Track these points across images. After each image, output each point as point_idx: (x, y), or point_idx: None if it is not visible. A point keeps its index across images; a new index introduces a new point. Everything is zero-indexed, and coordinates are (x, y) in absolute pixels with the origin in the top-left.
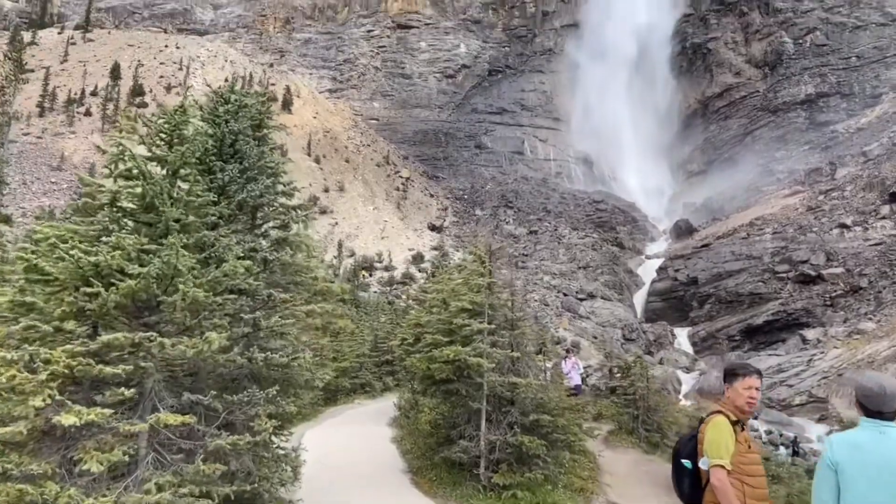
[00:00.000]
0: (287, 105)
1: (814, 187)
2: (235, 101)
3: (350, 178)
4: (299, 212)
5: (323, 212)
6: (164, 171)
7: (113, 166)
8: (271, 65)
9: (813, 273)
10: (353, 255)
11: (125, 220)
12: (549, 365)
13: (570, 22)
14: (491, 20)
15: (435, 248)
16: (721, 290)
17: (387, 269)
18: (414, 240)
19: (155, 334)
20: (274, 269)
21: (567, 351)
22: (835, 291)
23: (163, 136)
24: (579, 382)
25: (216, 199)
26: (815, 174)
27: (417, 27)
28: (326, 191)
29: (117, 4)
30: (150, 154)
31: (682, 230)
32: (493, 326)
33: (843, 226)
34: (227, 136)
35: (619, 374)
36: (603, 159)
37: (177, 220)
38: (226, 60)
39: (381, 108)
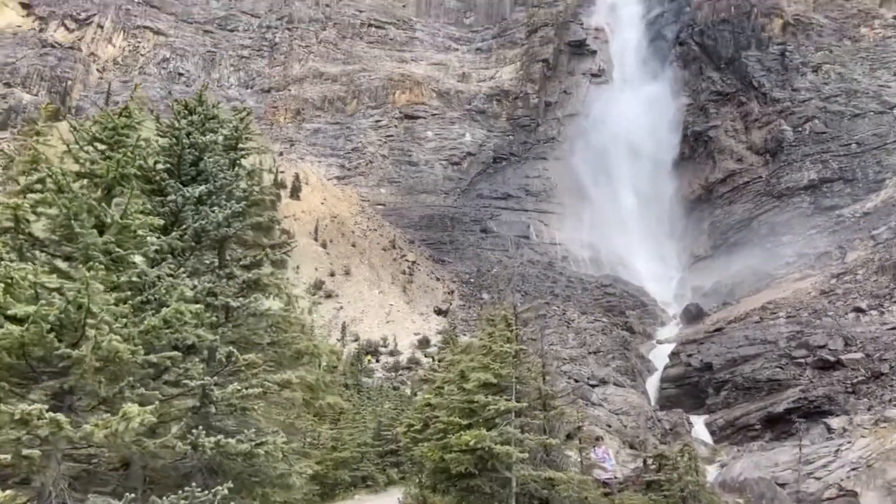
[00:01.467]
0: (295, 192)
1: (825, 271)
2: (202, 112)
3: (356, 263)
4: (277, 251)
5: (328, 296)
6: (93, 187)
7: (23, 178)
8: (281, 153)
9: (832, 358)
10: (357, 339)
11: (34, 250)
12: (592, 454)
13: (573, 112)
14: (495, 110)
15: (441, 333)
16: (737, 375)
17: (392, 353)
18: (420, 324)
19: (42, 407)
20: (239, 322)
21: (597, 438)
22: (856, 377)
23: (98, 145)
24: (614, 472)
25: (166, 227)
26: (824, 258)
27: (424, 117)
28: (332, 275)
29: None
30: (79, 168)
31: (693, 315)
32: (522, 405)
33: (859, 310)
34: (187, 151)
35: (654, 467)
36: (608, 244)
37: (105, 251)
38: None
39: (388, 193)
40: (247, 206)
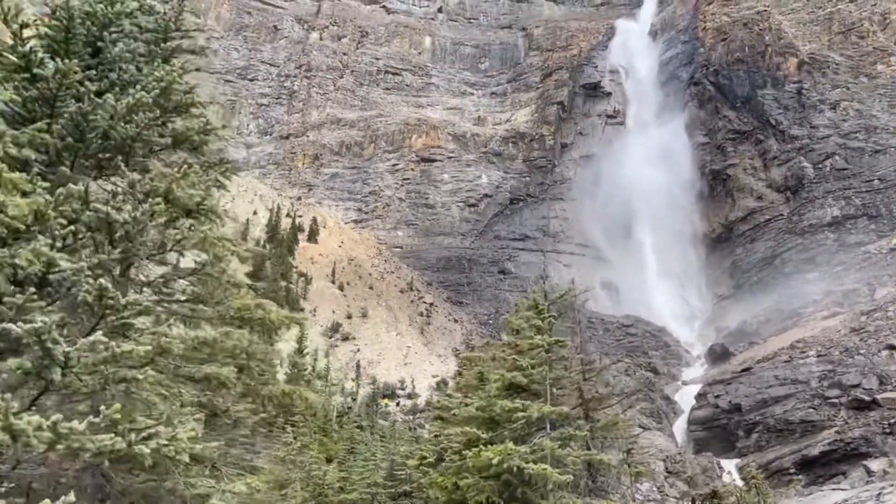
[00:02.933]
0: (313, 235)
1: (854, 308)
2: None
3: (373, 305)
4: (212, 170)
5: (346, 338)
6: None
7: None
8: (299, 198)
9: (867, 398)
10: (374, 381)
11: None
12: (638, 491)
13: (589, 153)
14: (511, 152)
15: (460, 374)
16: (768, 417)
17: (410, 396)
18: (438, 366)
19: None
20: (131, 251)
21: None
22: (893, 417)
23: None
24: None
25: (24, 116)
26: (853, 295)
27: (440, 160)
28: (349, 317)
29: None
30: None
31: (718, 354)
32: (561, 410)
33: (892, 347)
34: (78, 22)
35: None
36: (628, 284)
37: None
38: (255, 194)
39: (405, 236)
40: (167, 106)
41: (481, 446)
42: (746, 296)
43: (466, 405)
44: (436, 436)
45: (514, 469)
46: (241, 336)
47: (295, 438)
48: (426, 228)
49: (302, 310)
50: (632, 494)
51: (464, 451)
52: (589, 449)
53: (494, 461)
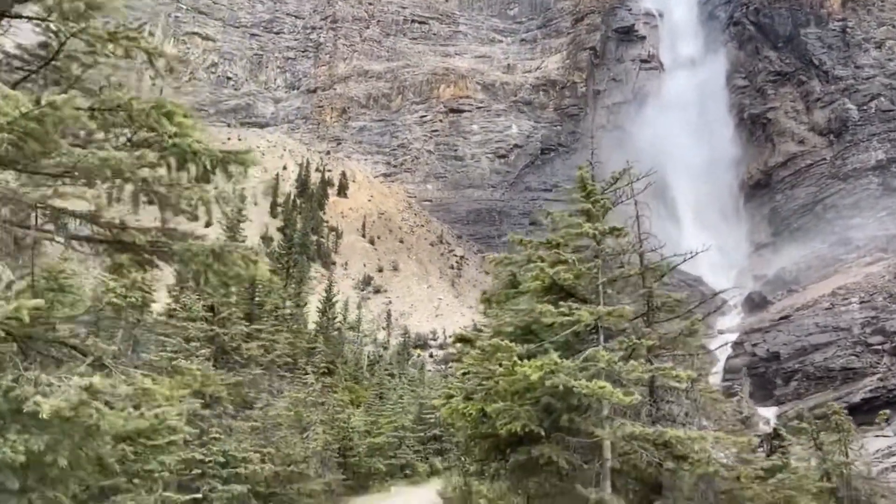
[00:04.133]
0: (343, 190)
1: None
2: None
3: (404, 258)
4: None
5: (377, 291)
6: None
7: None
8: (328, 152)
9: None
10: (405, 333)
11: None
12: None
13: (622, 100)
14: (542, 101)
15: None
16: (808, 365)
17: (441, 346)
18: (469, 317)
19: None
20: None
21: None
22: None
23: None
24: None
25: None
26: None
27: (469, 111)
28: (381, 271)
29: (184, 103)
30: None
31: (756, 303)
32: (622, 309)
33: None
34: None
35: (765, 450)
36: (664, 233)
37: None
38: (284, 149)
39: (435, 189)
40: None
41: (515, 360)
42: (786, 243)
43: (497, 317)
44: (464, 373)
45: (560, 388)
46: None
47: (316, 380)
48: (455, 181)
49: (334, 263)
50: (699, 425)
51: (492, 366)
52: (649, 362)
53: (533, 378)
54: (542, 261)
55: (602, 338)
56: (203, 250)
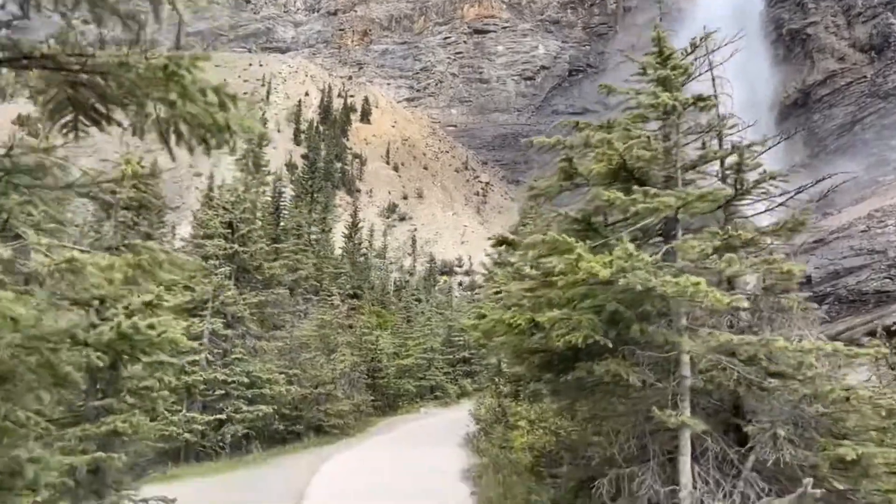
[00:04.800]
0: (366, 115)
1: None
2: None
3: (429, 185)
4: None
5: (402, 218)
6: None
7: None
8: (350, 77)
9: None
10: (431, 259)
11: None
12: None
13: (654, 16)
14: (570, 19)
15: (497, 264)
16: (840, 288)
17: (467, 273)
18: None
19: None
20: None
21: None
22: None
23: None
24: None
25: None
26: None
27: (494, 31)
28: (405, 198)
29: (205, 28)
30: None
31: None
32: (716, 192)
33: None
34: None
35: None
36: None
37: None
38: (306, 75)
39: (459, 114)
40: None
41: (580, 253)
42: (823, 164)
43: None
44: (496, 292)
45: (635, 289)
46: None
47: (343, 302)
48: (481, 105)
49: (358, 191)
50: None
51: (546, 266)
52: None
53: (603, 275)
54: (609, 143)
55: (679, 231)
56: (154, 69)
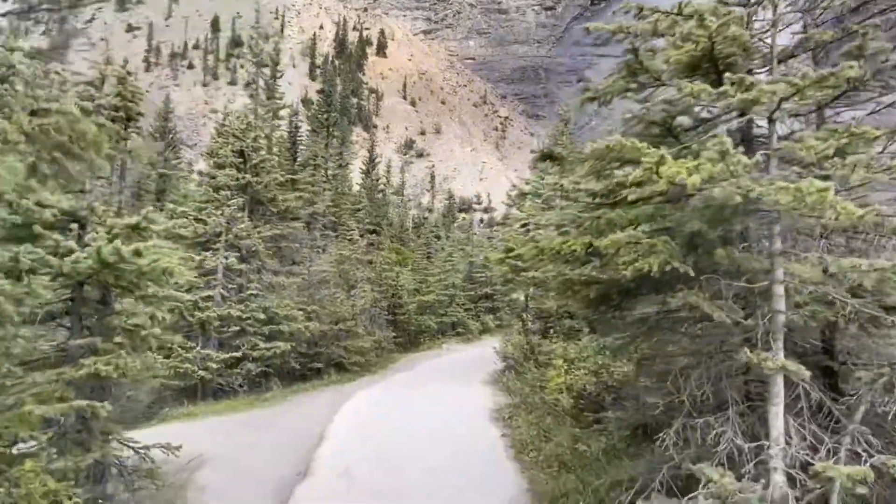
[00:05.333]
0: (382, 49)
1: None
2: None
3: (446, 120)
4: None
5: (419, 155)
6: None
7: None
8: (365, 9)
9: None
10: (450, 196)
11: None
12: None
13: None
14: None
15: (523, 195)
16: None
17: (486, 210)
18: (515, 180)
19: None
20: None
21: None
22: None
23: None
24: None
25: None
26: None
27: None
28: (423, 133)
29: None
30: None
31: None
32: (831, 77)
33: None
34: None
35: None
36: None
37: None
38: (320, 7)
39: (477, 46)
40: None
41: (664, 156)
42: None
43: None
44: (523, 225)
45: (730, 202)
46: None
47: (362, 237)
48: (499, 37)
49: (375, 127)
50: None
51: (608, 176)
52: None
53: (692, 182)
54: (700, 19)
55: (775, 137)
56: None
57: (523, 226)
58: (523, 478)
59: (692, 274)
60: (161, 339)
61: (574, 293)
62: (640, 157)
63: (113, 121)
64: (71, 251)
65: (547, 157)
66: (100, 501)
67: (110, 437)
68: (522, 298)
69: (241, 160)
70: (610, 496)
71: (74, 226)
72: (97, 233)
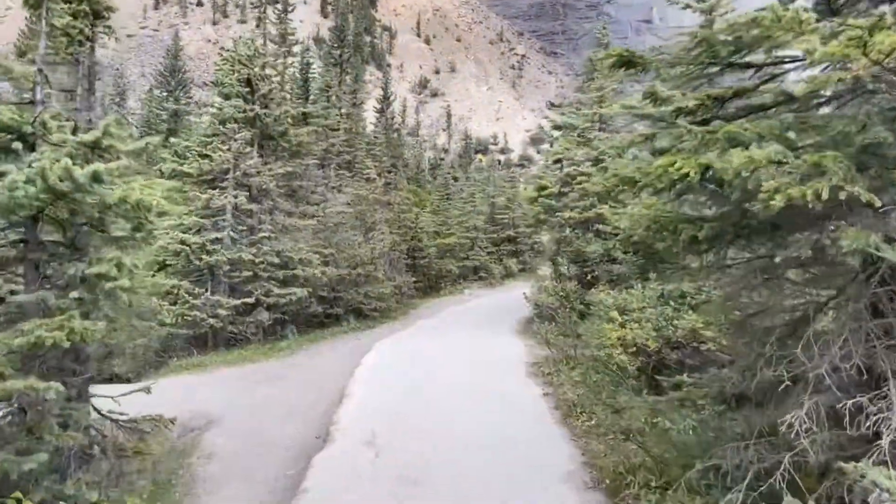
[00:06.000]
0: None
1: None
2: None
3: (462, 58)
4: None
5: (434, 94)
6: None
7: None
8: None
9: None
10: (465, 137)
11: None
12: None
13: None
14: None
15: (556, 128)
16: None
17: (503, 151)
18: (532, 120)
19: None
20: None
21: None
22: None
23: None
24: None
25: None
26: None
27: None
28: (437, 72)
29: None
30: None
31: None
32: None
33: None
34: None
35: None
36: None
37: None
38: None
39: None
40: None
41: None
42: None
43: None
44: (556, 161)
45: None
46: None
47: (379, 175)
48: None
49: (389, 65)
50: None
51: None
52: None
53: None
54: None
55: None
56: None
57: (556, 161)
58: (575, 447)
59: (877, 203)
60: (134, 293)
61: (672, 232)
62: (803, 31)
63: (74, 17)
64: (3, 175)
65: (623, 63)
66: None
67: (85, 412)
68: (554, 241)
69: (248, 90)
70: (702, 484)
71: (18, 145)
72: (41, 150)
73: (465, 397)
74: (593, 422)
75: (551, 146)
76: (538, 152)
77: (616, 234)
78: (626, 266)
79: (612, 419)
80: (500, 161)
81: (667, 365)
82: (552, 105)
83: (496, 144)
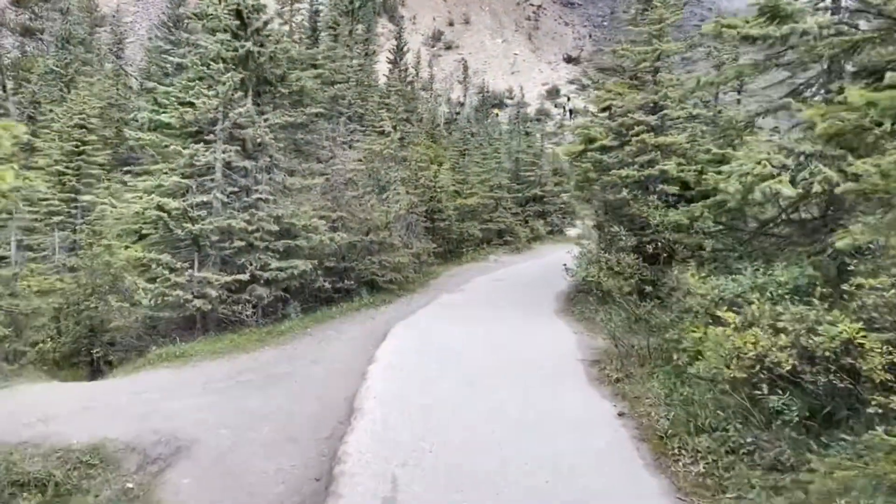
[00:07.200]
0: None
1: None
2: None
3: (476, 10)
4: None
5: (448, 47)
6: None
7: None
8: None
9: None
10: (481, 91)
11: None
12: None
13: None
14: None
15: (572, 82)
16: None
17: (519, 105)
18: (548, 73)
19: None
20: None
21: None
22: None
23: None
24: None
25: None
26: None
27: None
28: (451, 24)
29: None
30: None
31: None
32: None
33: None
34: None
35: None
36: None
37: None
38: None
39: None
40: None
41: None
42: None
43: None
44: (605, 108)
45: None
46: None
47: (395, 128)
48: None
49: (401, 17)
50: None
51: None
52: None
53: None
54: None
55: None
56: None
57: (604, 109)
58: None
59: None
60: None
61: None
62: None
63: None
64: None
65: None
66: None
67: None
68: (602, 204)
69: (238, 23)
70: None
71: None
72: None
73: (514, 422)
74: (701, 466)
75: (587, 94)
76: (555, 106)
77: (706, 197)
78: (722, 241)
79: (743, 472)
80: (517, 114)
81: (794, 380)
82: (568, 59)
83: (512, 98)
